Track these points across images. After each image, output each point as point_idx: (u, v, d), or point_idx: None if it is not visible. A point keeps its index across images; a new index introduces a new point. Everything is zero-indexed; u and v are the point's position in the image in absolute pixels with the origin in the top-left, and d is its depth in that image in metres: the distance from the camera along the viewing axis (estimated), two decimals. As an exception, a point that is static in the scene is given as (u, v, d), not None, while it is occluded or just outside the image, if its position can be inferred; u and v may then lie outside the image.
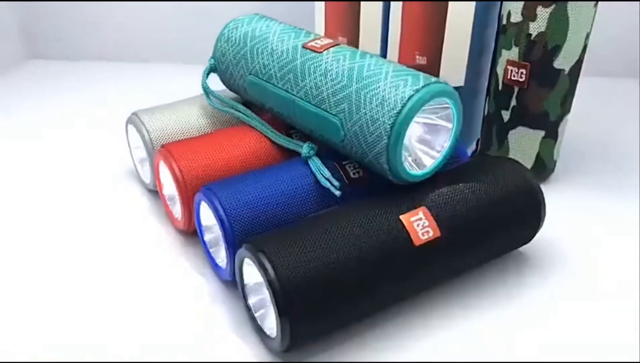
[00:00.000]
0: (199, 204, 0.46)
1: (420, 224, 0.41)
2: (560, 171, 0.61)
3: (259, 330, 0.41)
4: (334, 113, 0.43)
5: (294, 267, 0.37)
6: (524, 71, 0.53)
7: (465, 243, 0.42)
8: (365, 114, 0.41)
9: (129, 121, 0.56)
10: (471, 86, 0.60)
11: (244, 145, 0.50)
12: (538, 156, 0.57)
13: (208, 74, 0.55)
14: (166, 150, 0.49)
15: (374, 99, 0.41)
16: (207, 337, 0.41)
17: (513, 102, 0.55)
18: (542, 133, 0.56)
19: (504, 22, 0.54)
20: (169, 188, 0.52)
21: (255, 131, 0.51)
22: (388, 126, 0.40)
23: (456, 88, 0.59)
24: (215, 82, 0.56)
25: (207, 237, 0.47)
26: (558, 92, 0.54)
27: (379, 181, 0.47)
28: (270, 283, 0.36)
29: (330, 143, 0.45)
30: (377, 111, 0.40)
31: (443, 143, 0.44)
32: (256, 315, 0.41)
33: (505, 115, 0.56)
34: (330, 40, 0.48)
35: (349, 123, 0.42)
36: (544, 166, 0.58)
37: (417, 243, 0.40)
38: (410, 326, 0.42)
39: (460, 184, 0.44)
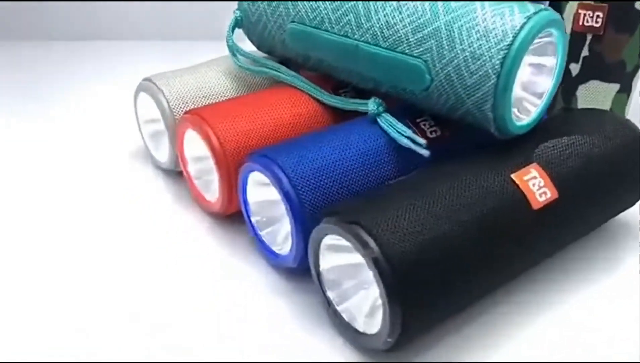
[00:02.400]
0: (246, 177, 0.37)
1: (535, 184, 0.33)
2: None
3: (346, 328, 0.32)
4: (415, 55, 0.35)
5: (402, 241, 0.29)
6: (600, 14, 0.46)
7: (580, 205, 0.35)
8: (463, 50, 0.33)
9: (140, 88, 0.46)
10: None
11: (289, 108, 0.42)
12: (611, 111, 0.50)
13: (234, 28, 0.46)
14: (197, 115, 0.40)
15: (473, 31, 0.33)
16: (277, 339, 0.33)
17: (585, 52, 0.48)
18: (616, 87, 0.49)
19: (574, -41, 0.47)
20: (199, 163, 0.43)
21: (300, 92, 0.43)
22: (497, 62, 0.32)
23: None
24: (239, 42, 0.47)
25: (257, 218, 0.39)
26: (638, 39, 0.47)
27: (463, 140, 0.39)
28: (376, 262, 0.28)
29: (405, 95, 0.37)
30: (480, 45, 0.32)
31: (545, 86, 0.36)
32: (340, 307, 0.33)
33: (574, 68, 0.49)
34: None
35: (437, 65, 0.34)
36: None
37: (535, 206, 0.33)
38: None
39: (566, 138, 0.36)
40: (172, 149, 0.45)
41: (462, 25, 0.33)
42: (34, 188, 0.47)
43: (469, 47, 0.33)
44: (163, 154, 0.47)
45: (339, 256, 0.32)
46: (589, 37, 0.48)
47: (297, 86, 0.43)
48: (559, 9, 0.49)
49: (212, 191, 0.42)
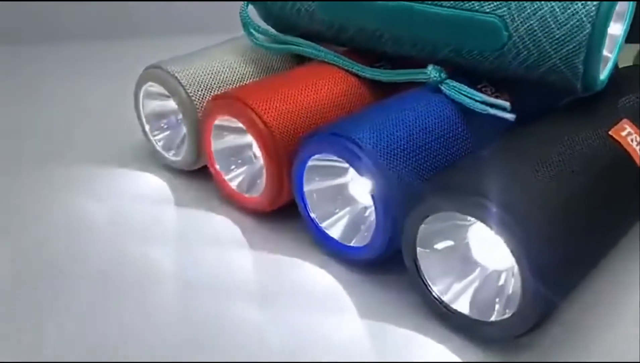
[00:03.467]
0: (304, 164, 0.33)
1: (633, 141, 0.31)
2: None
3: (465, 323, 0.28)
4: (488, 11, 0.32)
5: (530, 216, 0.25)
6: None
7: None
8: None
9: (146, 77, 0.40)
10: None
11: (331, 85, 0.37)
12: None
13: (248, 4, 0.41)
14: (232, 99, 0.35)
15: (558, -22, 0.30)
16: (387, 340, 0.28)
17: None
18: (637, 47, 0.48)
19: None
20: (233, 155, 0.38)
21: (336, 68, 0.38)
22: (592, 9, 0.29)
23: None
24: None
25: (320, 212, 0.34)
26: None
27: (527, 103, 0.36)
28: (521, 243, 0.24)
29: (470, 58, 0.34)
30: (569, -9, 0.30)
31: (618, 34, 0.34)
32: (456, 304, 0.28)
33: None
34: None
35: (517, 19, 0.31)
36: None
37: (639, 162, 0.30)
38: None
39: (632, 93, 0.34)
40: (193, 144, 0.39)
41: (543, -27, 0.30)
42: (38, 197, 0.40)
43: (556, -5, 0.30)
44: (179, 151, 0.41)
45: (445, 236, 0.28)
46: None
47: (331, 62, 0.39)
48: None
49: (254, 186, 0.37)
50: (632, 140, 0.31)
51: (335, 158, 0.31)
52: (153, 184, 0.41)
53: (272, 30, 0.42)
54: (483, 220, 0.25)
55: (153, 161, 0.43)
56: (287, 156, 0.34)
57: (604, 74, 0.33)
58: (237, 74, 0.40)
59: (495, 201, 0.25)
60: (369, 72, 0.38)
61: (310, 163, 0.33)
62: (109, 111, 0.52)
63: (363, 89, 0.38)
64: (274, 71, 0.42)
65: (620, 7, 0.33)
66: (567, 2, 0.30)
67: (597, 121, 0.31)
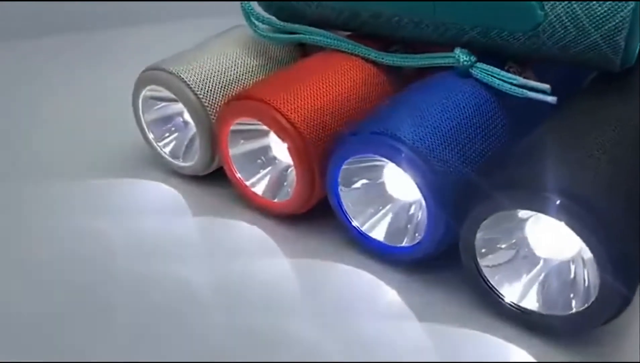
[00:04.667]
0: (339, 166, 0.31)
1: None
2: None
3: (536, 319, 0.27)
4: (521, -11, 0.30)
5: (600, 206, 0.24)
6: None
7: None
8: (588, -26, 0.29)
9: (146, 81, 0.37)
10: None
11: (351, 75, 0.35)
12: None
13: (248, -7, 0.38)
14: (251, 99, 0.32)
15: (596, -49, 0.29)
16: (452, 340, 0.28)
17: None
18: None
19: None
20: (255, 159, 0.35)
21: (351, 56, 0.36)
22: (637, -18, 0.28)
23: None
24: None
25: (360, 215, 0.32)
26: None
27: (549, 77, 0.35)
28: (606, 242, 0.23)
29: (499, 40, 0.33)
30: (610, -35, 0.28)
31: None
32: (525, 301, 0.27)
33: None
34: None
35: (554, -4, 0.30)
36: None
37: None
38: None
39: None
40: (205, 150, 0.36)
41: (579, -54, 0.29)
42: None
43: (595, -30, 0.29)
44: (188, 157, 0.39)
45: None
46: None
47: (345, 50, 0.37)
48: None
49: (281, 190, 0.35)
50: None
51: (376, 157, 0.30)
52: (165, 194, 0.38)
53: (276, 20, 0.39)
54: (552, 215, 0.24)
55: (159, 166, 0.40)
56: (317, 157, 0.32)
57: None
58: (245, 69, 0.38)
59: (562, 194, 0.24)
60: (389, 58, 0.36)
61: (345, 166, 0.31)
62: (100, 112, 0.48)
63: (383, 77, 0.36)
64: (282, 62, 0.39)
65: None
66: (609, -23, 0.28)
67: (634, 97, 0.31)
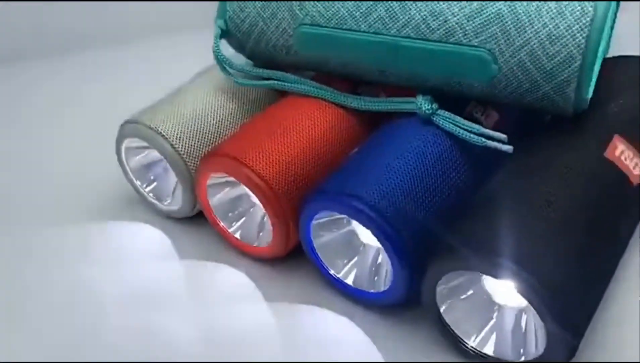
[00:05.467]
0: (310, 221, 0.33)
1: (626, 157, 0.32)
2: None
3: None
4: (475, 44, 0.32)
5: (548, 269, 0.26)
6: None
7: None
8: (537, 33, 0.30)
9: (125, 133, 0.39)
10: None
11: (320, 122, 0.37)
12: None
13: (219, 40, 0.40)
14: (224, 156, 0.34)
15: (544, 10, 0.30)
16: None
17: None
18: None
19: None
20: (235, 208, 0.37)
21: (321, 101, 0.38)
22: (582, 41, 0.29)
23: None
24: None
25: (335, 263, 0.34)
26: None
27: (513, 115, 0.37)
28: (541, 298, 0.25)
29: (459, 88, 0.34)
30: (557, 24, 0.30)
31: (602, 46, 0.34)
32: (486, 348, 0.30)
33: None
34: (412, -47, 0.35)
35: (506, 52, 0.31)
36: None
37: (635, 181, 0.32)
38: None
39: (624, 95, 0.35)
40: (187, 198, 0.38)
41: (528, 5, 0.30)
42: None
43: (543, 28, 0.30)
44: (174, 201, 0.40)
45: (468, 295, 0.29)
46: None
47: (315, 95, 0.38)
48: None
49: (260, 236, 0.37)
50: (625, 158, 0.32)
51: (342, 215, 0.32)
52: (152, 237, 0.40)
53: (249, 64, 0.41)
54: (500, 278, 0.26)
55: (145, 208, 0.42)
56: (291, 209, 0.34)
57: (590, 90, 0.34)
58: (223, 115, 0.39)
59: (510, 258, 0.26)
60: (356, 102, 0.37)
61: (315, 221, 0.33)
62: (83, 150, 0.50)
63: (352, 120, 0.38)
64: (259, 103, 0.41)
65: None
66: (556, 34, 0.30)
67: (590, 141, 0.32)
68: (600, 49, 0.33)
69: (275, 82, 0.39)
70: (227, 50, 0.41)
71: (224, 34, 0.40)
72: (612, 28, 0.34)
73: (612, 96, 0.35)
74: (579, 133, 0.33)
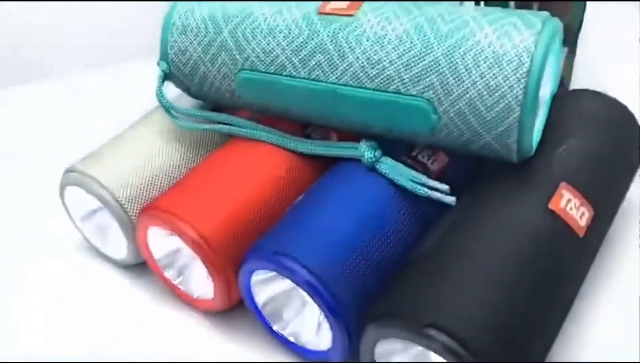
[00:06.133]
0: (249, 278, 0.32)
1: (573, 208, 0.31)
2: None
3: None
4: (414, 94, 0.31)
5: (480, 331, 0.25)
6: (544, -18, 0.44)
7: (608, 207, 0.34)
8: (474, 83, 0.29)
9: (67, 181, 0.38)
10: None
11: (264, 169, 0.36)
12: (561, 77, 0.49)
13: (163, 82, 0.38)
14: (162, 211, 0.33)
15: (481, 59, 0.29)
16: None
17: (532, 23, 0.46)
18: (565, 50, 0.48)
19: None
20: (177, 260, 0.36)
21: (266, 145, 0.37)
22: (519, 92, 0.28)
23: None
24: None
25: (278, 320, 0.33)
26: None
27: (465, 162, 0.36)
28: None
29: (402, 135, 0.33)
30: (494, 74, 0.29)
31: (545, 93, 0.33)
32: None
33: (524, 40, 0.47)
34: (352, -5, 0.34)
35: (445, 102, 0.30)
36: (565, 88, 0.51)
37: (580, 232, 0.31)
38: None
39: (573, 140, 0.34)
40: (133, 246, 0.37)
41: (465, 54, 0.29)
42: None
43: (481, 78, 0.29)
44: (119, 251, 0.39)
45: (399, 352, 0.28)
46: (535, 5, 0.45)
47: (261, 139, 0.37)
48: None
49: (203, 290, 0.36)
50: (571, 208, 0.31)
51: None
52: (100, 283, 0.39)
53: (199, 104, 0.40)
54: (435, 351, 0.25)
55: (94, 253, 0.41)
56: (231, 265, 0.33)
57: (535, 136, 0.33)
58: (167, 161, 0.38)
59: (443, 331, 0.25)
60: (302, 146, 0.36)
61: (255, 277, 0.32)
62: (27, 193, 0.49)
63: (300, 164, 0.37)
64: (206, 146, 0.40)
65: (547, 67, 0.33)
66: (494, 85, 0.29)
67: (534, 190, 0.31)
68: (543, 94, 0.33)
69: (221, 126, 0.38)
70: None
71: (168, 76, 0.39)
72: (558, 67, 0.33)
73: (563, 136, 0.34)
74: (524, 181, 0.31)
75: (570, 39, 0.48)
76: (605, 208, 0.33)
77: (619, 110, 0.37)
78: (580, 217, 0.31)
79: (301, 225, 0.31)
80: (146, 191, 0.37)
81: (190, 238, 0.32)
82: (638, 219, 0.40)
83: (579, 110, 0.36)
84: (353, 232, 0.31)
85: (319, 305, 0.29)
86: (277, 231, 0.31)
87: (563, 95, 0.39)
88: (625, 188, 0.36)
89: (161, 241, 0.35)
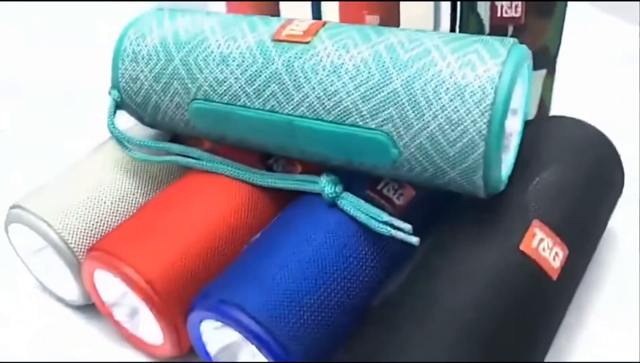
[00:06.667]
0: (198, 326, 0.29)
1: (546, 249, 0.29)
2: (555, 110, 0.52)
3: None
4: (373, 127, 0.29)
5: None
6: (518, 3, 0.42)
7: (586, 243, 0.31)
8: (435, 116, 0.27)
9: (11, 219, 0.35)
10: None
11: (218, 206, 0.33)
12: (541, 99, 0.47)
13: (115, 113, 0.36)
14: (106, 253, 0.31)
15: (442, 90, 0.27)
16: None
17: (508, 44, 0.44)
18: (543, 72, 0.46)
19: (479, -53, 0.42)
20: (125, 304, 0.34)
21: (223, 178, 0.35)
22: (483, 127, 0.26)
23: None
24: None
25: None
26: (556, 20, 0.44)
27: (433, 196, 0.34)
28: None
29: (364, 168, 0.31)
30: (456, 107, 0.26)
31: (515, 126, 0.31)
32: None
33: (500, 62, 0.45)
34: (310, 21, 0.32)
35: (405, 136, 0.28)
36: (545, 109, 0.49)
37: (553, 275, 0.28)
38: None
39: (547, 172, 0.32)
40: (80, 287, 0.35)
41: (425, 85, 0.27)
42: None
43: (442, 111, 0.27)
44: (69, 291, 0.37)
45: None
46: (511, 28, 0.44)
47: (218, 172, 0.35)
48: (471, 1, 0.45)
49: (153, 337, 0.33)
50: (543, 249, 0.29)
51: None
52: (51, 326, 0.37)
53: (153, 135, 0.38)
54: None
55: (46, 293, 0.39)
56: (179, 311, 0.30)
57: (506, 169, 0.30)
58: (119, 196, 0.36)
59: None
60: (260, 179, 0.34)
61: (203, 326, 0.29)
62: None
63: (259, 199, 0.34)
64: (160, 180, 0.38)
65: (515, 97, 0.31)
66: (456, 119, 0.27)
67: (504, 230, 0.29)
68: (513, 125, 0.31)
69: (176, 157, 0.36)
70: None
71: (119, 105, 0.36)
72: (528, 94, 0.31)
73: (538, 168, 0.32)
74: (494, 219, 0.29)
75: (548, 60, 0.46)
76: (582, 246, 0.31)
77: (599, 139, 0.35)
78: (554, 258, 0.28)
79: (252, 270, 0.29)
80: (95, 229, 0.34)
81: (135, 282, 0.30)
82: (619, 250, 0.38)
83: (555, 139, 0.34)
84: (309, 276, 0.28)
85: (268, 359, 0.26)
86: (226, 276, 0.29)
87: (540, 122, 0.38)
88: (604, 222, 0.34)
89: (108, 283, 0.33)
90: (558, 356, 0.32)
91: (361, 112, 0.29)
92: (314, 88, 0.29)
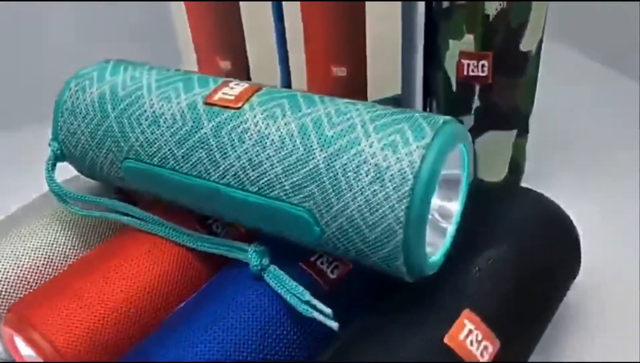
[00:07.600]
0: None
1: (473, 340, 0.27)
2: (531, 170, 0.50)
3: None
4: (295, 203, 0.27)
5: None
6: (485, 62, 0.41)
7: (525, 336, 0.29)
8: (354, 198, 0.25)
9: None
10: (407, 94, 0.47)
11: (144, 270, 0.32)
12: (512, 159, 0.46)
13: (54, 165, 0.35)
14: (18, 316, 0.29)
15: (362, 172, 0.25)
16: None
17: (476, 103, 0.43)
18: (514, 133, 0.44)
19: (445, 4, 0.41)
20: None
21: (152, 239, 0.33)
22: (401, 214, 0.25)
23: (394, 98, 0.46)
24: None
25: None
26: (528, 80, 0.42)
27: (369, 270, 0.32)
28: None
29: (292, 240, 0.29)
30: (375, 191, 0.25)
31: (453, 208, 0.30)
32: None
33: (468, 121, 0.44)
34: (245, 85, 0.31)
35: (326, 215, 0.26)
36: (518, 170, 0.47)
37: (479, 371, 0.26)
38: None
39: (491, 255, 0.30)
40: (5, 347, 0.34)
41: (346, 164, 0.26)
42: None
43: (361, 193, 0.25)
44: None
45: None
46: (477, 86, 0.42)
47: (150, 231, 0.33)
48: (439, 57, 0.43)
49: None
50: (471, 342, 0.27)
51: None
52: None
53: (89, 190, 0.37)
54: None
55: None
56: (92, 380, 0.29)
57: (439, 253, 0.29)
58: (52, 252, 0.35)
59: None
60: (193, 242, 0.33)
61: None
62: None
63: (193, 262, 0.33)
64: (98, 232, 0.36)
65: (453, 177, 0.29)
66: (374, 203, 0.25)
67: (433, 320, 0.27)
68: (451, 206, 0.29)
69: (114, 215, 0.35)
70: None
71: (59, 157, 0.35)
72: (467, 169, 0.29)
73: (480, 249, 0.30)
74: (427, 303, 0.27)
75: (518, 120, 0.45)
76: (519, 337, 0.29)
77: (558, 219, 0.33)
78: (482, 353, 0.27)
79: (164, 347, 0.27)
80: (21, 285, 0.33)
81: (42, 350, 0.28)
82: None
83: (510, 216, 0.32)
84: (225, 358, 0.27)
85: None
86: (139, 350, 0.28)
87: (498, 192, 0.36)
88: (552, 307, 0.31)
89: (27, 351, 0.32)
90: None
91: (284, 186, 0.27)
92: (239, 157, 0.28)
